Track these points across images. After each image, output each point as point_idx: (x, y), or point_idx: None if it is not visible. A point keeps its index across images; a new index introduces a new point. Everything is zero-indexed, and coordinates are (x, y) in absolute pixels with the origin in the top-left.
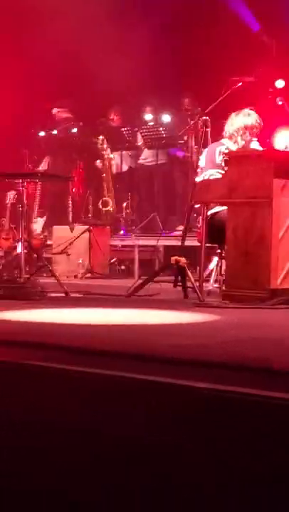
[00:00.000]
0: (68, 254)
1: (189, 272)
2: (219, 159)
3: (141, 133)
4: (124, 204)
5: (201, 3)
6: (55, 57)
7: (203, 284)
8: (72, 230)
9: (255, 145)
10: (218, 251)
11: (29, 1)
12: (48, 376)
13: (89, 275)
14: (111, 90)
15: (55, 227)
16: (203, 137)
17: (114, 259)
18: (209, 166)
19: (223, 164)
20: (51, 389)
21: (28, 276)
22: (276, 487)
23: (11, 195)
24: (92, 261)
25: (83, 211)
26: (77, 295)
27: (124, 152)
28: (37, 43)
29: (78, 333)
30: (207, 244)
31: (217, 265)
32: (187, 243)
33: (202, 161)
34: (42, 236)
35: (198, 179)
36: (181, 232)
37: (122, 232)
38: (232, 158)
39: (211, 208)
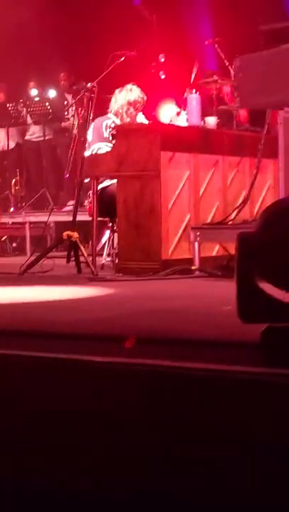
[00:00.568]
0: None
1: (82, 247)
2: (106, 133)
3: (27, 109)
4: (13, 181)
5: None
6: None
7: (97, 258)
8: None
9: (141, 118)
10: (110, 224)
11: None
12: None
13: None
14: None
15: None
16: (90, 106)
17: (5, 237)
18: (97, 140)
19: (110, 138)
20: None
21: None
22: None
23: None
24: None
25: None
26: None
27: (11, 128)
28: None
29: None
30: (98, 219)
31: (109, 239)
32: (78, 218)
33: (89, 135)
34: None
35: (86, 153)
36: (72, 207)
37: (11, 209)
38: (119, 132)
39: (101, 182)
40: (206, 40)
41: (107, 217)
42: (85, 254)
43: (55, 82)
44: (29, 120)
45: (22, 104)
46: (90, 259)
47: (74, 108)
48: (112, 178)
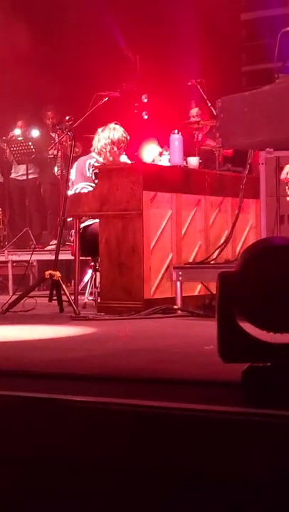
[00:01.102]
0: None
1: (64, 286)
2: (89, 172)
3: (9, 148)
4: None
5: (69, 17)
6: None
7: (79, 297)
8: None
9: (124, 158)
10: (92, 264)
11: None
12: None
13: None
14: None
15: None
16: (71, 151)
17: None
18: (80, 179)
19: (93, 177)
20: None
21: None
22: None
23: None
24: None
25: None
26: None
27: None
28: None
29: None
30: (81, 258)
31: (91, 278)
32: (61, 257)
33: (72, 175)
34: None
35: (69, 193)
36: (55, 246)
37: None
38: (102, 172)
39: (84, 221)
40: (188, 80)
41: (89, 256)
42: (67, 293)
43: (40, 120)
44: (11, 159)
45: (5, 144)
46: (72, 298)
47: (58, 148)
48: (94, 217)
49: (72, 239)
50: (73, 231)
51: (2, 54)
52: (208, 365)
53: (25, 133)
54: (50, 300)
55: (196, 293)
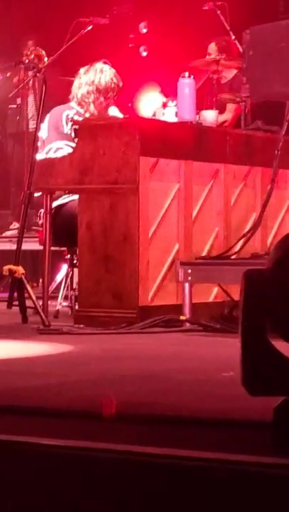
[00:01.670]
0: None
1: (29, 287)
2: (68, 128)
3: None
4: None
5: None
6: None
7: (49, 303)
8: None
9: (113, 111)
10: (68, 256)
11: None
12: None
13: None
14: None
15: None
16: (42, 99)
17: None
18: (54, 136)
19: (73, 135)
20: None
21: None
22: None
23: None
24: None
25: None
26: None
27: None
28: None
29: None
30: (53, 248)
31: (67, 276)
32: (25, 247)
33: (44, 131)
34: None
35: (39, 156)
36: (17, 231)
37: None
38: (83, 129)
39: (56, 198)
40: (205, 3)
41: (64, 246)
42: (33, 297)
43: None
44: None
45: None
46: (40, 303)
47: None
48: (71, 192)
49: (40, 222)
50: (42, 211)
51: None
52: (226, 398)
53: None
54: (10, 306)
55: (210, 299)
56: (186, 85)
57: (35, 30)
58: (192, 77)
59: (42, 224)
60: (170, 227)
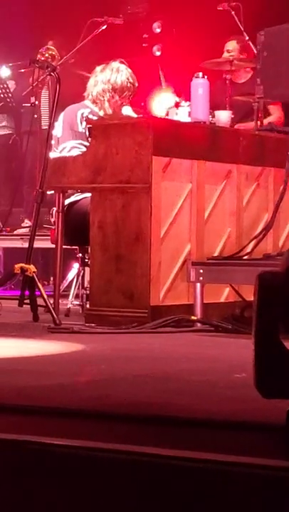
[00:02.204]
0: None
1: (40, 285)
2: (82, 126)
3: None
4: None
5: None
6: None
7: (60, 301)
8: None
9: (127, 111)
10: (80, 255)
11: None
12: None
13: None
14: None
15: None
16: (56, 98)
17: None
18: (68, 135)
19: (87, 134)
20: None
21: None
22: None
23: None
24: None
25: None
26: None
27: None
28: None
29: None
30: (64, 246)
31: (78, 275)
32: (37, 245)
33: (58, 129)
34: None
35: (53, 155)
36: (29, 229)
37: None
38: (97, 128)
39: (70, 196)
40: (219, 3)
41: (76, 244)
42: (45, 295)
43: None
44: None
45: None
46: (51, 302)
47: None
48: (84, 191)
49: (53, 220)
50: (55, 209)
51: None
52: (238, 400)
53: None
54: (21, 304)
55: (222, 299)
56: (200, 85)
57: (54, 31)
58: (206, 77)
59: (54, 222)
60: (182, 227)
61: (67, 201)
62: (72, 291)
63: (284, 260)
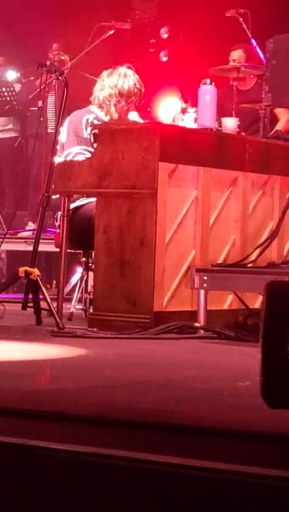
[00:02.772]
0: None
1: (44, 288)
2: (87, 132)
3: None
4: None
5: None
6: None
7: (63, 305)
8: None
9: (133, 116)
10: (83, 259)
11: None
12: None
13: None
14: None
15: None
16: (63, 102)
17: None
18: (73, 141)
19: (92, 139)
20: None
21: None
22: None
23: None
24: None
25: None
26: None
27: None
28: None
29: None
30: (68, 250)
31: (82, 279)
32: (41, 248)
33: (63, 134)
34: None
35: (57, 160)
36: (33, 232)
37: None
38: (103, 133)
39: (74, 201)
40: (227, 10)
41: (79, 248)
42: (48, 299)
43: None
44: None
45: None
46: (55, 305)
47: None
48: (89, 195)
49: (57, 224)
50: (59, 213)
51: None
52: (242, 408)
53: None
54: (25, 307)
55: (225, 306)
56: (207, 92)
57: (60, 35)
58: (213, 84)
59: (58, 226)
60: (187, 233)
61: (72, 205)
62: (76, 296)
63: None
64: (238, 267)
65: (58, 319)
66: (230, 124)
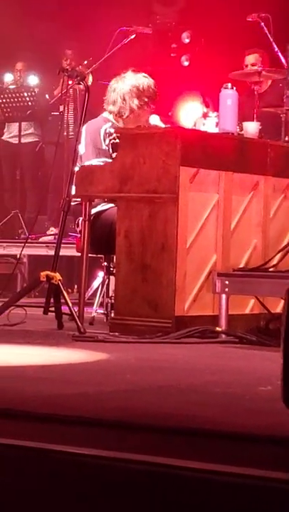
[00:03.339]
0: None
1: (65, 293)
2: (105, 143)
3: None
4: None
5: None
6: None
7: (85, 310)
8: None
9: (155, 120)
10: (105, 264)
11: None
12: None
13: None
14: None
15: None
16: (84, 107)
17: None
18: (91, 153)
19: (110, 150)
20: None
21: None
22: None
23: None
24: None
25: None
26: None
27: None
28: None
29: None
30: (90, 255)
31: (103, 283)
32: (62, 252)
33: (81, 146)
34: None
35: (77, 169)
36: (54, 237)
37: None
38: (124, 138)
39: (96, 205)
40: (249, 15)
41: (101, 253)
42: (69, 303)
43: (49, 62)
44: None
45: None
46: (76, 310)
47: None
48: (110, 200)
49: (78, 229)
50: (81, 219)
51: None
52: (264, 413)
53: (21, 79)
54: (46, 312)
55: (247, 311)
56: (229, 96)
57: (74, 40)
58: (234, 88)
59: (80, 231)
60: (208, 237)
61: (93, 211)
62: (97, 300)
63: None
64: (260, 271)
65: (80, 324)
66: (251, 128)
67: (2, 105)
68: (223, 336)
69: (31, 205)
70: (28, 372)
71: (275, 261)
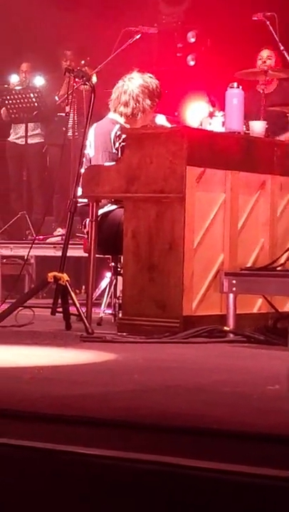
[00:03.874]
0: None
1: (73, 293)
2: (115, 147)
3: (5, 101)
4: None
5: None
6: None
7: (93, 310)
8: None
9: (161, 120)
10: (112, 264)
11: None
12: None
13: None
14: None
15: None
16: (90, 108)
17: None
18: (102, 157)
19: (120, 154)
20: None
21: None
22: None
23: None
24: None
25: None
26: None
27: None
28: None
29: None
30: (97, 255)
31: (110, 284)
32: (69, 253)
33: (90, 149)
34: None
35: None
36: (61, 238)
37: None
38: (131, 138)
39: (103, 206)
40: (255, 14)
41: (108, 253)
42: (77, 304)
43: (58, 62)
44: (3, 116)
45: None
46: (84, 310)
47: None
48: (117, 201)
49: (86, 230)
50: (88, 219)
51: None
52: (272, 412)
53: (27, 80)
54: (54, 313)
55: (255, 310)
56: (235, 95)
57: (79, 40)
58: (240, 87)
59: (87, 232)
60: (215, 237)
61: (100, 211)
62: (105, 300)
63: None
64: (267, 270)
65: (88, 324)
66: (257, 127)
67: (9, 106)
68: (231, 335)
69: (38, 206)
70: (36, 373)
71: (282, 260)
